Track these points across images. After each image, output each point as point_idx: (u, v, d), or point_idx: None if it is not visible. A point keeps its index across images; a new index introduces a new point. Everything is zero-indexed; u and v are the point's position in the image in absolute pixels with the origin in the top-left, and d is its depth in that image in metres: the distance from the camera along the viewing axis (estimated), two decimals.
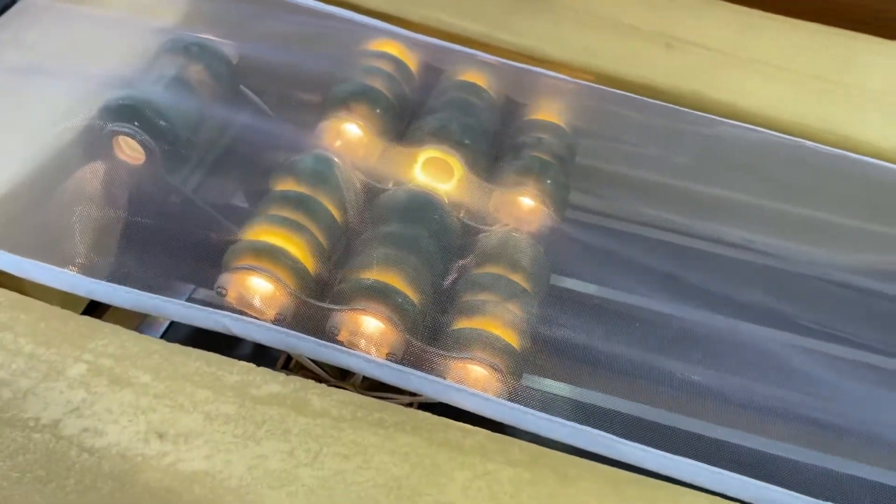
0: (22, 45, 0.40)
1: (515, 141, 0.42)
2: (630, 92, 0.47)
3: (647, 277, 0.43)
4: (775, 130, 0.47)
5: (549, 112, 0.45)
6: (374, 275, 0.32)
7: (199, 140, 0.37)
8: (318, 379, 0.31)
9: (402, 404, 0.30)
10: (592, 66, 0.48)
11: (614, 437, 0.29)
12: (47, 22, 0.42)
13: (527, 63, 0.48)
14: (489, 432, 0.29)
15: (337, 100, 0.40)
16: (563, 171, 0.42)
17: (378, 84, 0.40)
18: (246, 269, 0.31)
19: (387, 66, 0.42)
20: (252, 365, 0.29)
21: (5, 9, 0.43)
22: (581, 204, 0.45)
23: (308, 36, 0.45)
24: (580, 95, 0.47)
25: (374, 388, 0.34)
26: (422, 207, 0.35)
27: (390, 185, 0.37)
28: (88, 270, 0.33)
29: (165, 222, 0.35)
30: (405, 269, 0.32)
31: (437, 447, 0.28)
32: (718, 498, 0.29)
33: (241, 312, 0.31)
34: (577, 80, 0.47)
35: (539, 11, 0.51)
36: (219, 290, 0.31)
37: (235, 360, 0.29)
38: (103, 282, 0.30)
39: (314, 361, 0.34)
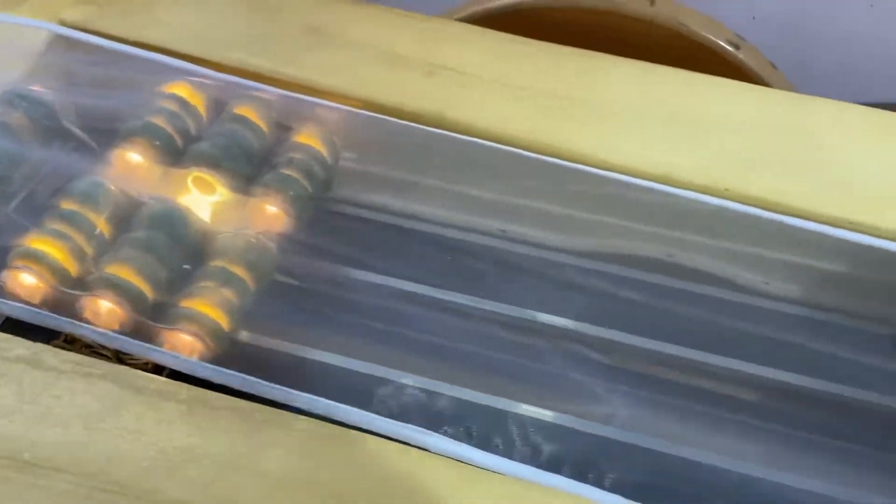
0: None
1: (273, 161, 0.54)
2: (390, 115, 0.59)
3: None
4: (508, 145, 0.58)
5: (309, 135, 0.56)
6: (111, 269, 0.44)
7: (17, 173, 0.50)
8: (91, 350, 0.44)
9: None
10: (361, 94, 0.59)
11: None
12: None
13: (306, 93, 0.60)
14: (179, 383, 0.42)
15: (126, 133, 0.52)
16: (311, 183, 0.54)
17: (160, 121, 0.53)
18: (17, 267, 0.44)
19: (172, 105, 0.54)
20: (10, 336, 0.42)
21: None
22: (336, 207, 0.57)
23: (123, 80, 0.58)
24: (342, 120, 0.58)
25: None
26: (165, 216, 0.48)
27: (150, 200, 0.49)
28: None
29: None
30: (137, 264, 0.45)
31: (128, 390, 0.40)
32: None
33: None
34: (341, 106, 0.58)
35: (324, 47, 0.62)
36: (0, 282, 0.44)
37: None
38: None
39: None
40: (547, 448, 0.50)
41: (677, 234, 0.59)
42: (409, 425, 0.42)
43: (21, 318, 0.43)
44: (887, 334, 0.55)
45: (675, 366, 0.54)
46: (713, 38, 0.62)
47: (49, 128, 0.53)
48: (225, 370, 0.42)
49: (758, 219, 0.55)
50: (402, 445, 0.40)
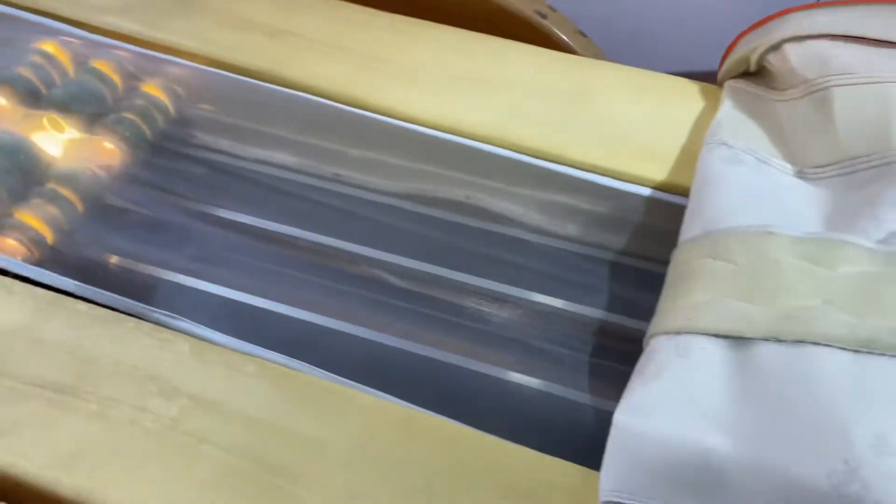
0: None
1: (119, 106, 0.65)
2: (233, 72, 0.69)
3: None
4: (331, 99, 0.67)
5: (153, 86, 0.67)
6: None
7: None
8: None
9: None
10: (211, 54, 0.69)
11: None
12: None
13: (164, 53, 0.70)
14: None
15: None
16: (148, 126, 0.64)
17: (27, 72, 0.64)
18: None
19: (40, 59, 0.65)
20: None
21: None
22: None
23: (5, 38, 0.69)
24: (188, 75, 0.69)
25: None
26: (12, 147, 0.59)
27: (4, 133, 0.60)
28: None
29: None
30: None
31: None
32: None
33: None
34: (188, 63, 0.68)
35: (189, 13, 0.72)
36: None
37: None
38: None
39: None
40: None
41: (470, 178, 0.68)
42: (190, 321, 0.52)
43: None
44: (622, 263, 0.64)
45: (449, 287, 0.64)
46: (523, 10, 0.70)
47: None
48: (31, 266, 0.53)
49: (531, 165, 0.64)
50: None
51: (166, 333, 0.50)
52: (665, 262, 0.60)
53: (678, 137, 0.64)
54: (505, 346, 0.59)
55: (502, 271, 0.63)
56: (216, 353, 0.49)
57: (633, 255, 0.65)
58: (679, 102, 0.66)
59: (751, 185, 0.55)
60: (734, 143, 0.58)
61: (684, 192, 0.60)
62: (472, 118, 0.66)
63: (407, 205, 0.69)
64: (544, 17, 0.70)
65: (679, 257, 0.52)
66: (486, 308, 0.62)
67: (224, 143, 0.69)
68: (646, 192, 0.61)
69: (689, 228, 0.54)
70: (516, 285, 0.63)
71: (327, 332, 0.60)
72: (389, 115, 0.67)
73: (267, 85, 0.68)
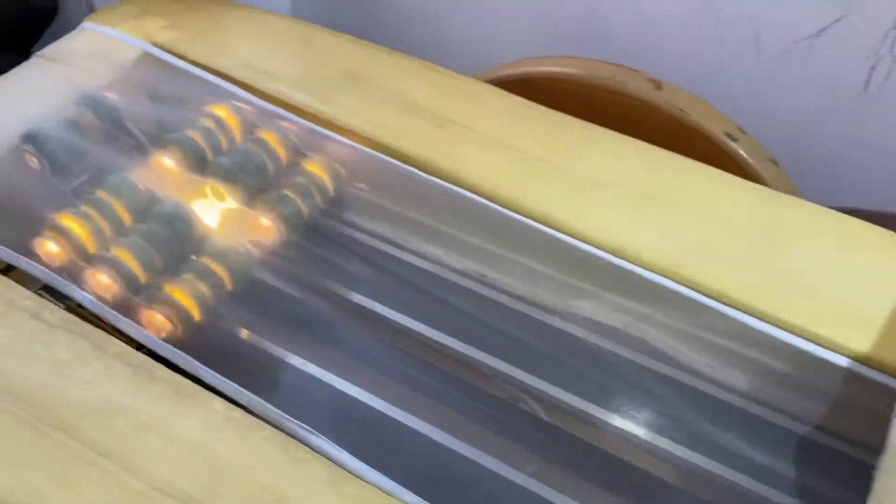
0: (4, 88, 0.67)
1: (280, 181, 0.63)
2: (395, 158, 0.66)
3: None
4: (489, 199, 0.63)
5: (317, 164, 0.65)
6: (116, 251, 0.55)
7: (80, 163, 0.62)
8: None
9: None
10: (375, 136, 0.67)
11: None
12: (30, 76, 0.69)
13: (328, 128, 0.68)
14: (134, 350, 0.51)
15: (167, 141, 0.63)
16: (307, 205, 0.62)
17: (197, 135, 0.63)
18: (46, 237, 0.55)
19: (210, 124, 0.64)
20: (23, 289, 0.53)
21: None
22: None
23: (182, 96, 0.69)
24: (350, 155, 0.66)
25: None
26: (171, 215, 0.58)
27: (167, 198, 0.59)
28: None
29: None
30: (136, 251, 0.55)
31: (94, 348, 0.50)
32: None
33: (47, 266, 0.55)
34: (352, 143, 0.66)
35: (356, 89, 0.71)
36: (32, 246, 0.55)
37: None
38: None
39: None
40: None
41: (634, 305, 0.63)
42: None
43: (39, 278, 0.54)
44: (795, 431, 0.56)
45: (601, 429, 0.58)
46: (711, 129, 0.65)
47: (114, 129, 0.65)
48: (172, 348, 0.51)
49: (708, 308, 0.58)
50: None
51: (303, 452, 0.46)
52: (853, 443, 0.52)
53: (887, 303, 0.56)
54: None
55: (662, 422, 0.57)
56: (354, 485, 0.45)
57: (812, 425, 0.58)
58: (889, 258, 0.58)
59: None
60: None
61: (890, 371, 0.53)
62: (647, 244, 0.60)
63: (557, 322, 0.64)
64: (734, 139, 0.64)
65: (891, 467, 0.45)
66: (638, 463, 0.55)
67: (376, 230, 0.66)
68: (842, 361, 0.54)
69: None
70: (675, 440, 0.57)
71: (461, 460, 0.55)
72: (553, 227, 0.63)
73: (427, 176, 0.65)
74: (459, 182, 0.65)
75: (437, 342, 0.62)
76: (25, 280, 0.56)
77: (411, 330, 0.62)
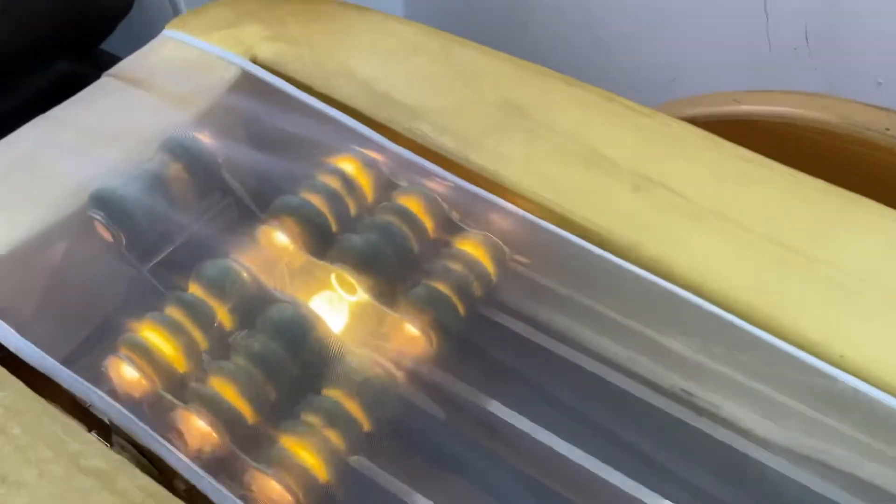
0: (66, 122, 0.52)
1: (427, 268, 0.46)
2: (577, 233, 0.49)
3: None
4: (705, 298, 0.46)
5: (476, 243, 0.48)
6: (215, 382, 0.39)
7: (161, 230, 0.47)
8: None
9: None
10: (549, 201, 0.50)
11: None
12: (100, 106, 0.54)
13: (487, 187, 0.51)
14: None
15: (277, 209, 0.47)
16: (464, 302, 0.46)
17: (318, 199, 0.47)
18: (122, 357, 0.40)
19: (335, 183, 0.48)
20: (97, 441, 0.38)
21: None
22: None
23: (296, 136, 0.53)
24: (517, 227, 0.49)
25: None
26: (289, 325, 0.41)
27: (283, 298, 0.43)
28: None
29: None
30: (242, 382, 0.39)
31: None
32: None
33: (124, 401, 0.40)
34: (520, 212, 0.49)
35: (519, 131, 0.53)
36: (104, 367, 0.40)
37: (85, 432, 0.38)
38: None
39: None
40: None
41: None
42: None
43: (109, 416, 0.39)
44: None
45: None
46: None
47: (207, 182, 0.49)
48: None
49: None
50: None
51: None
52: None
53: None
54: None
55: None
56: None
57: None
58: None
59: None
60: None
61: None
62: None
63: (801, 474, 0.47)
64: None
65: None
66: None
67: (545, 337, 0.49)
68: None
69: None
70: None
71: None
72: (800, 346, 0.45)
73: (620, 262, 0.48)
74: (664, 273, 0.48)
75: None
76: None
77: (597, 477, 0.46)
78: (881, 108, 0.50)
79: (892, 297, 0.45)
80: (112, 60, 0.58)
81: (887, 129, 0.49)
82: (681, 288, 0.47)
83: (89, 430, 0.40)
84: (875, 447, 0.43)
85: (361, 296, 0.45)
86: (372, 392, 0.41)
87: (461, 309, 0.46)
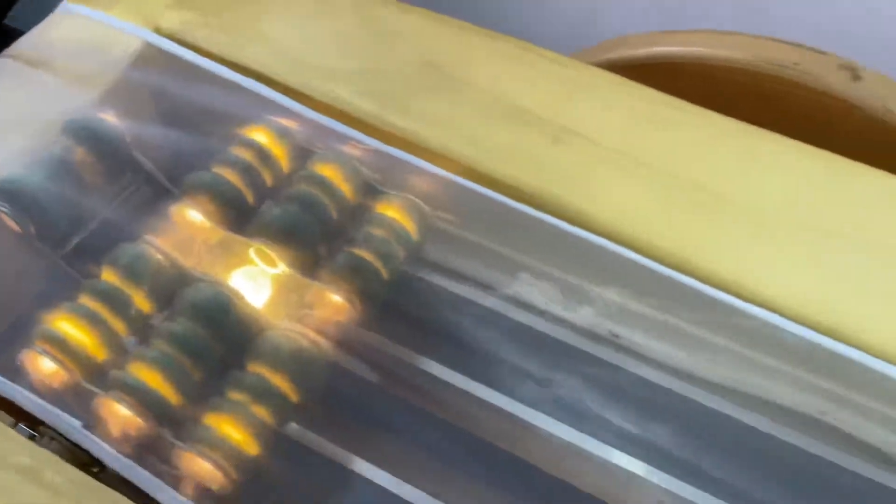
0: None
1: (350, 235, 0.46)
2: (499, 190, 0.49)
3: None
4: (624, 245, 0.47)
5: (397, 206, 0.48)
6: (135, 368, 0.39)
7: (72, 217, 0.45)
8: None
9: None
10: (470, 158, 0.49)
11: None
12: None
13: (408, 149, 0.51)
14: None
15: (189, 186, 0.46)
16: (387, 267, 0.45)
17: (231, 174, 0.46)
18: (37, 350, 0.39)
19: (248, 155, 0.47)
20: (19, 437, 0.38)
21: None
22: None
23: (207, 109, 0.51)
24: (439, 188, 0.49)
25: None
26: (210, 304, 0.41)
27: (201, 277, 0.43)
28: None
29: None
30: (164, 366, 0.39)
31: None
32: None
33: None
34: (441, 172, 0.49)
35: (440, 91, 0.52)
36: (18, 362, 0.39)
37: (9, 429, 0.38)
38: None
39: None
40: None
41: (836, 389, 0.47)
42: None
43: (30, 411, 0.39)
44: None
45: None
46: None
47: (116, 163, 0.48)
48: None
49: None
50: None
51: None
52: None
53: None
54: None
55: None
56: None
57: None
58: None
59: None
60: None
61: None
62: (853, 313, 0.44)
63: (727, 406, 0.49)
64: None
65: None
66: None
67: (473, 292, 0.49)
68: None
69: None
70: None
71: None
72: (719, 287, 0.46)
73: (544, 216, 0.48)
74: (586, 223, 0.48)
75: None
76: None
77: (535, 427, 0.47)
78: (790, 43, 0.51)
79: (805, 230, 0.46)
80: (18, 35, 0.55)
81: (796, 64, 0.49)
82: (601, 236, 0.47)
83: (16, 423, 0.39)
84: (787, 372, 0.45)
85: (282, 268, 0.45)
86: (297, 364, 0.41)
87: (384, 273, 0.45)
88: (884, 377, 0.43)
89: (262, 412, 0.39)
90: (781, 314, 0.44)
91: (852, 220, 0.47)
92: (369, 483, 0.43)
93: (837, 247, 0.46)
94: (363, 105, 0.52)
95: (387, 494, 0.43)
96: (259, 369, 0.41)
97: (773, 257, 0.46)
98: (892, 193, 0.48)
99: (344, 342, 0.44)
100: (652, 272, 0.46)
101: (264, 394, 0.40)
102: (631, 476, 0.45)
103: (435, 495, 0.43)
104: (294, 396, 0.41)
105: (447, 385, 0.47)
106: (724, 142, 0.50)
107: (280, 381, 0.40)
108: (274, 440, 0.40)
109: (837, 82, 0.48)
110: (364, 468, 0.44)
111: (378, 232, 0.46)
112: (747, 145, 0.50)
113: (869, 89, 0.48)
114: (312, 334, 0.42)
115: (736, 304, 0.45)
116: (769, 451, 0.46)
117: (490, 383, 0.47)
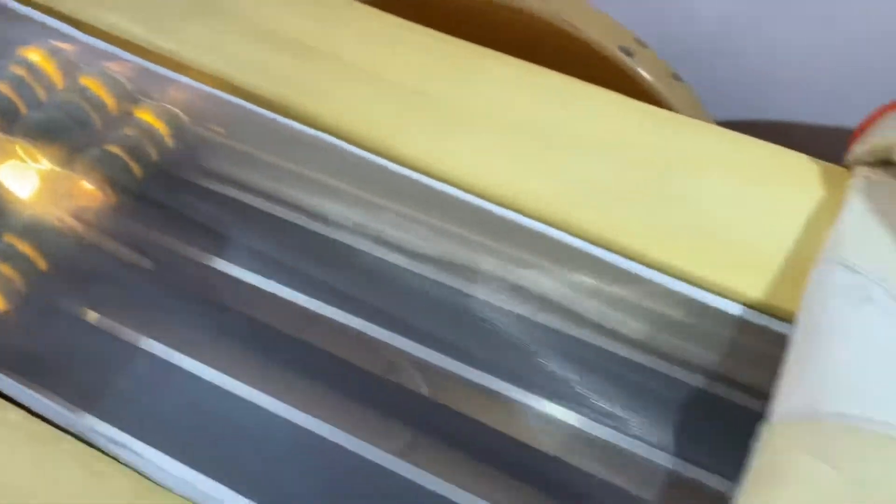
0: None
1: (108, 136, 0.55)
2: (249, 100, 0.57)
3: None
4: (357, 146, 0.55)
5: (152, 112, 0.56)
6: None
7: None
8: None
9: None
10: (226, 75, 0.57)
11: None
12: None
13: (171, 67, 0.59)
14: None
15: None
16: (138, 163, 0.54)
17: (4, 87, 0.54)
18: None
19: (21, 71, 0.55)
20: None
21: None
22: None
23: None
24: (193, 98, 0.57)
25: None
26: None
27: None
28: None
29: None
30: None
31: None
32: None
33: None
34: (195, 83, 0.57)
35: (205, 18, 0.61)
36: None
37: None
38: None
39: None
40: None
41: (521, 255, 0.56)
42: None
43: None
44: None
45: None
46: (601, 41, 0.56)
47: None
48: None
49: (593, 257, 0.51)
50: None
51: (105, 465, 0.40)
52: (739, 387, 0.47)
53: (788, 240, 0.50)
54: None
55: (546, 381, 0.52)
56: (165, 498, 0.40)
57: (703, 373, 0.52)
58: (797, 190, 0.51)
59: (880, 341, 0.42)
60: (861, 265, 0.44)
61: (787, 318, 0.47)
62: (526, 187, 0.53)
63: (442, 275, 0.58)
64: (630, 54, 0.56)
65: (768, 441, 0.39)
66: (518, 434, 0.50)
67: (223, 187, 0.58)
68: (735, 308, 0.48)
69: (787, 398, 0.40)
70: (564, 399, 0.51)
71: (317, 438, 0.49)
72: (424, 172, 0.55)
73: (288, 122, 0.56)
74: (319, 125, 0.56)
75: (309, 310, 0.55)
76: None
77: (276, 296, 0.56)
78: None
79: (501, 124, 0.55)
80: None
81: None
82: (330, 135, 0.56)
83: None
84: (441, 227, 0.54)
85: (45, 164, 0.53)
86: (46, 236, 0.50)
87: (136, 168, 0.54)
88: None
89: (7, 271, 0.48)
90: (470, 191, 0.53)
91: (533, 115, 0.56)
92: (116, 340, 0.51)
93: (523, 139, 0.55)
94: (134, 30, 0.60)
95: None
96: (9, 239, 0.49)
97: (469, 144, 0.55)
98: (570, 94, 0.56)
99: (104, 228, 0.53)
100: (355, 155, 0.54)
101: (11, 256, 0.48)
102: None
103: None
104: (42, 264, 0.50)
105: (213, 270, 0.55)
106: (449, 58, 0.59)
107: (28, 249, 0.49)
108: (18, 301, 0.48)
109: (532, 2, 0.57)
110: (122, 333, 0.53)
111: (130, 132, 0.55)
112: (467, 59, 0.59)
113: (555, 7, 0.57)
114: (66, 216, 0.51)
115: (434, 184, 0.53)
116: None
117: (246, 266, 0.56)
